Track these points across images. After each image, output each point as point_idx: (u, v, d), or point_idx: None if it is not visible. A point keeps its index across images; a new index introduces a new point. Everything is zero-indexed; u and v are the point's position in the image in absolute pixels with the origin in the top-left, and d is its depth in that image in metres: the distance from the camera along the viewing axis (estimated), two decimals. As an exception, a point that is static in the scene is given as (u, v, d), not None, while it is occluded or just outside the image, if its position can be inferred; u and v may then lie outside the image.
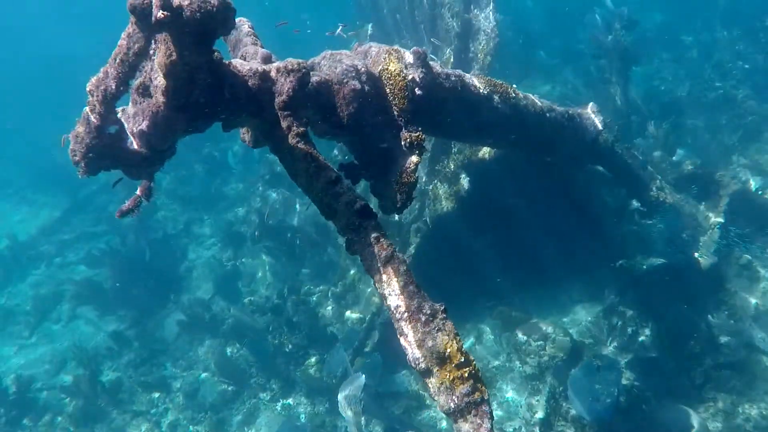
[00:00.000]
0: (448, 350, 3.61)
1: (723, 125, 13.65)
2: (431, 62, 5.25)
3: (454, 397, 3.55)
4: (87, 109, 3.63)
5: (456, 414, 3.58)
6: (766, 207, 10.15)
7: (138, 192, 4.14)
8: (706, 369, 8.79)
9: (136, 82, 3.86)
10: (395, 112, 4.81)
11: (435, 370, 3.64)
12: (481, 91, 5.93)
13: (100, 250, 15.80)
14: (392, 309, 3.79)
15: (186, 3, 3.21)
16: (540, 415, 8.48)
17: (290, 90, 4.02)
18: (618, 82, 13.45)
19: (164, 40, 3.44)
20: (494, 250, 9.92)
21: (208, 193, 17.78)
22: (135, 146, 3.88)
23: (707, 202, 10.26)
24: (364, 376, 9.07)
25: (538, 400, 8.68)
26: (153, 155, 3.92)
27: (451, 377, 3.59)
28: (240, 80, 4.01)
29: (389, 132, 4.81)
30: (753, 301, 9.29)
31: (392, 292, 3.78)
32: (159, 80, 3.59)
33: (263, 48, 4.44)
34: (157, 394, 11.63)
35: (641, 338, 9.22)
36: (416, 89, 4.92)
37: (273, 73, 4.10)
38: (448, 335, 3.66)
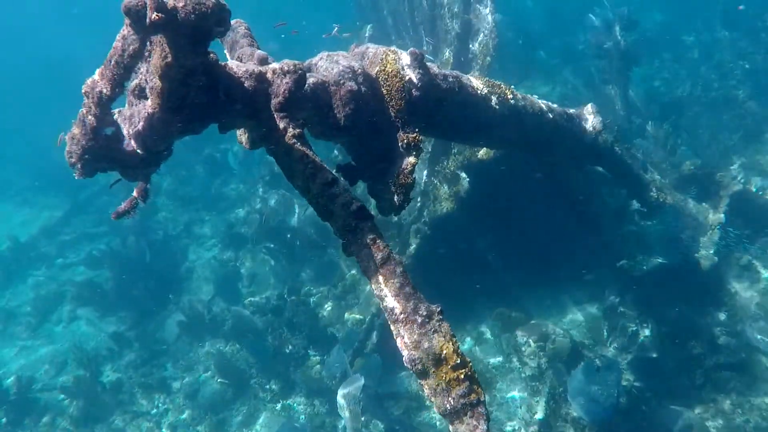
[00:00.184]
0: (444, 352, 3.61)
1: (723, 125, 13.63)
2: (428, 63, 5.24)
3: (450, 398, 3.55)
4: (83, 110, 3.63)
5: (452, 415, 3.57)
6: (767, 208, 10.12)
7: (134, 193, 4.14)
8: (706, 370, 8.78)
9: (132, 84, 3.86)
10: (392, 113, 4.80)
11: (431, 371, 3.64)
12: (478, 91, 5.92)
13: (100, 251, 15.82)
14: (388, 311, 3.79)
15: (180, 5, 3.21)
16: (540, 416, 8.47)
17: (286, 91, 4.02)
18: (618, 82, 13.45)
19: (159, 42, 3.44)
20: (494, 250, 9.93)
21: (208, 193, 17.78)
22: (131, 148, 3.88)
23: (707, 202, 10.25)
24: (363, 377, 9.08)
25: (537, 401, 8.68)
26: (149, 157, 3.92)
27: (448, 379, 3.58)
28: (236, 82, 4.01)
29: (386, 133, 4.81)
30: (753, 301, 9.28)
31: (388, 293, 3.78)
32: (154, 82, 3.59)
33: (260, 49, 4.44)
34: (157, 395, 11.63)
35: (641, 339, 9.22)
36: (413, 90, 4.91)
37: (269, 75, 4.10)
38: (444, 337, 3.66)
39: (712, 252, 9.64)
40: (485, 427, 3.47)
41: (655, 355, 9.03)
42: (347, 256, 4.04)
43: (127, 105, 3.96)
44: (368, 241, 3.87)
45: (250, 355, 11.50)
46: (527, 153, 8.21)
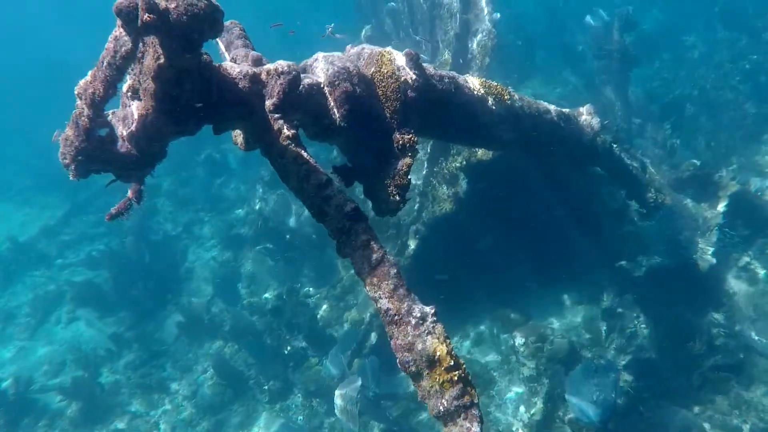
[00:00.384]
0: (438, 353, 3.60)
1: (723, 126, 13.60)
2: (424, 64, 5.23)
3: (443, 400, 3.54)
4: (76, 112, 3.63)
5: (446, 417, 3.57)
6: (766, 208, 10.11)
7: (128, 195, 4.13)
8: (704, 371, 8.77)
9: (125, 85, 3.86)
10: (388, 114, 4.80)
11: (425, 373, 3.63)
12: (475, 92, 5.91)
13: (100, 252, 15.83)
14: (382, 312, 3.78)
15: (173, 6, 3.20)
16: (537, 417, 8.46)
17: (281, 92, 4.01)
18: (618, 83, 13.43)
19: (152, 43, 3.44)
20: (493, 251, 9.91)
21: (208, 194, 17.78)
22: (125, 149, 3.87)
23: (706, 203, 10.23)
24: (360, 378, 9.08)
25: (535, 402, 8.67)
26: (143, 158, 3.92)
27: (441, 380, 3.57)
28: (230, 83, 4.01)
29: (382, 134, 4.80)
30: (751, 302, 9.26)
31: (382, 295, 3.77)
32: (147, 83, 3.58)
33: (254, 50, 4.43)
34: (156, 396, 11.63)
35: (639, 339, 9.21)
36: (409, 91, 4.89)
37: (263, 76, 4.10)
38: (437, 338, 3.65)
39: (710, 253, 9.63)
40: (478, 429, 3.46)
41: (653, 356, 9.02)
42: (341, 258, 4.03)
43: (121, 106, 3.96)
44: (362, 242, 3.86)
45: (249, 356, 11.51)
46: (525, 154, 8.19)
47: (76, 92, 3.55)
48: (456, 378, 3.57)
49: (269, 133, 4.07)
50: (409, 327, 3.68)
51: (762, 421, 8.03)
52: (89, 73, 3.52)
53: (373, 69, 4.87)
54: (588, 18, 14.51)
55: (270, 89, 4.06)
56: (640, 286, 9.53)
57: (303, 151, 4.04)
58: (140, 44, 3.64)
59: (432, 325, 3.69)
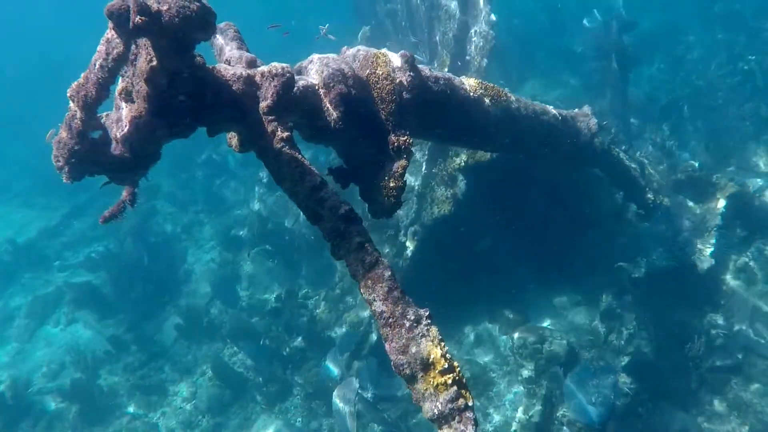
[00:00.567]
0: (432, 356, 3.58)
1: (722, 127, 13.60)
2: (420, 65, 5.22)
3: (438, 403, 3.52)
4: (68, 114, 3.62)
5: (440, 420, 3.54)
6: (764, 209, 10.10)
7: (122, 197, 4.12)
8: (702, 372, 8.78)
9: (119, 87, 3.85)
10: (383, 116, 4.79)
11: (419, 376, 3.61)
12: (471, 94, 5.90)
13: (99, 254, 15.81)
14: (377, 315, 3.77)
15: (165, 8, 3.19)
16: (536, 418, 8.44)
17: (275, 94, 4.00)
18: (617, 84, 13.42)
19: (145, 45, 3.43)
20: (492, 252, 9.90)
21: (207, 196, 17.77)
22: (119, 151, 3.86)
23: (705, 204, 10.22)
24: (358, 380, 9.08)
25: (534, 403, 8.65)
26: (136, 160, 3.90)
27: (435, 383, 3.56)
28: (224, 85, 4.00)
29: (377, 136, 4.79)
30: (750, 303, 9.25)
31: (377, 297, 3.76)
32: (140, 86, 3.57)
33: (249, 52, 4.42)
34: (155, 398, 11.62)
35: (638, 341, 9.19)
36: (404, 93, 4.88)
37: (257, 78, 4.09)
38: (432, 341, 3.63)
39: (709, 254, 9.62)
40: (473, 431, 3.44)
41: (651, 357, 9.01)
42: (336, 260, 4.02)
43: (114, 108, 3.95)
44: (357, 244, 3.85)
45: (248, 358, 11.49)
46: (523, 155, 8.18)
47: (68, 95, 3.53)
48: (450, 381, 3.55)
49: (263, 135, 4.06)
50: (403, 330, 3.66)
51: (760, 423, 8.03)
52: (81, 75, 3.51)
53: (368, 71, 4.86)
54: (586, 19, 14.53)
55: (264, 91, 4.05)
56: (639, 287, 9.51)
57: (297, 153, 4.03)
58: (133, 46, 3.63)
59: (426, 328, 3.67)
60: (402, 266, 10.06)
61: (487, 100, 6.07)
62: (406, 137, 4.70)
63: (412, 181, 10.74)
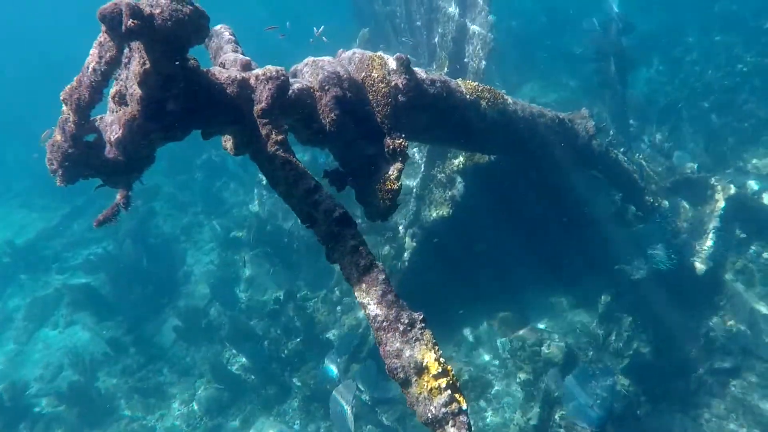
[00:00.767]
0: (426, 360, 3.57)
1: (721, 129, 13.59)
2: (416, 68, 5.22)
3: (431, 407, 3.50)
4: (62, 117, 3.61)
5: (434, 424, 3.53)
6: (763, 211, 10.08)
7: (116, 200, 4.12)
8: (701, 374, 8.75)
9: (112, 90, 3.85)
10: (378, 119, 4.78)
11: (413, 380, 3.60)
12: (467, 96, 5.89)
13: (98, 256, 15.80)
14: (371, 318, 3.76)
15: (157, 11, 3.19)
16: (534, 420, 8.42)
17: (269, 97, 3.99)
18: (616, 85, 13.41)
19: (138, 48, 3.43)
20: (490, 254, 9.89)
21: (207, 197, 17.77)
22: (112, 155, 3.85)
23: (703, 206, 10.21)
24: (357, 382, 9.06)
25: (532, 406, 8.63)
26: (130, 163, 3.90)
27: (429, 387, 3.54)
28: (218, 88, 3.99)
29: (373, 139, 4.78)
30: (749, 305, 9.23)
31: (371, 301, 3.75)
32: (134, 89, 3.57)
33: (244, 55, 4.41)
34: (153, 400, 11.60)
35: (636, 343, 9.17)
36: (399, 96, 4.87)
37: (252, 81, 4.08)
38: (426, 345, 3.62)
39: (707, 256, 9.60)
40: (467, 436, 3.43)
41: (650, 359, 8.99)
42: (330, 263, 4.01)
43: (108, 111, 3.94)
44: (351, 248, 3.84)
45: (246, 360, 11.48)
46: (521, 158, 8.17)
47: (61, 98, 3.53)
48: (444, 385, 3.53)
49: (258, 138, 4.05)
50: (397, 333, 3.65)
51: (759, 425, 8.01)
52: (75, 78, 3.50)
53: (364, 73, 4.85)
54: (586, 21, 14.52)
55: (259, 94, 4.04)
56: (638, 289, 9.49)
57: (291, 157, 4.02)
58: (127, 49, 3.63)
59: (420, 332, 3.66)
60: (401, 268, 10.06)
61: (483, 103, 6.06)
62: (401, 140, 4.69)
63: (410, 182, 10.73)
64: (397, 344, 3.64)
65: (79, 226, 18.58)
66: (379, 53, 5.05)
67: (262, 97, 4.02)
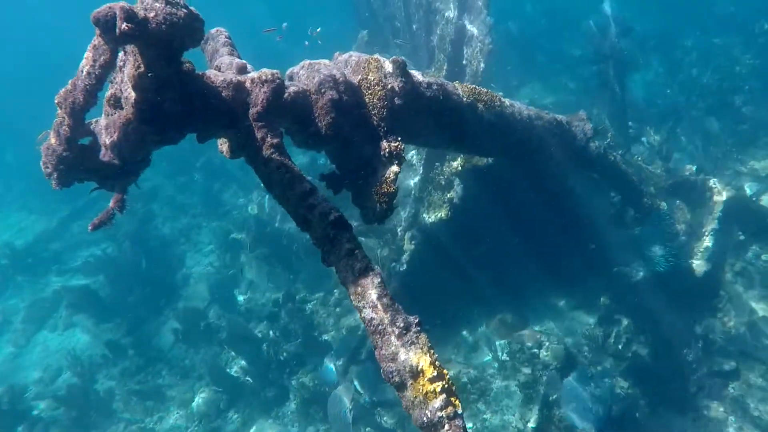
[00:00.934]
0: (421, 364, 3.56)
1: (719, 131, 13.59)
2: (412, 71, 5.21)
3: (427, 411, 3.49)
4: (57, 120, 3.61)
5: (430, 428, 3.52)
6: (761, 213, 10.07)
7: (111, 204, 4.11)
8: (700, 376, 8.74)
9: (107, 94, 3.84)
10: (375, 122, 4.77)
11: (409, 383, 3.59)
12: (464, 99, 5.89)
13: (97, 258, 15.80)
14: (366, 322, 3.75)
15: (151, 15, 3.18)
16: (533, 423, 8.41)
17: (264, 101, 3.99)
18: (615, 88, 13.40)
19: (132, 52, 3.42)
20: (489, 257, 9.88)
21: (206, 199, 17.77)
22: (107, 158, 3.85)
23: (702, 208, 10.19)
24: (355, 384, 9.05)
25: (531, 408, 8.61)
26: (126, 167, 3.89)
27: (425, 391, 3.53)
28: (213, 91, 3.98)
29: (369, 142, 4.78)
30: (747, 308, 9.22)
31: (366, 304, 3.73)
32: (129, 92, 3.56)
33: (240, 58, 4.41)
34: (151, 403, 11.58)
35: (635, 346, 9.16)
36: (395, 99, 4.87)
37: (247, 84, 4.08)
38: (421, 349, 3.61)
39: (706, 258, 9.59)
40: (462, 439, 3.42)
41: (649, 362, 8.98)
42: (326, 266, 4.00)
43: (103, 115, 3.94)
44: (346, 251, 3.83)
45: (245, 363, 11.47)
46: (518, 160, 8.16)
47: (56, 101, 3.53)
48: (439, 389, 3.52)
49: (253, 141, 4.05)
50: (392, 337, 3.64)
51: (758, 428, 7.99)
52: (69, 82, 3.50)
53: (360, 76, 4.85)
54: (585, 23, 14.51)
55: (254, 97, 4.04)
56: (636, 291, 9.49)
57: (287, 160, 4.02)
58: (120, 53, 3.62)
59: (416, 335, 3.65)
60: (399, 270, 10.05)
61: (480, 106, 6.05)
62: (397, 143, 4.68)
63: (409, 184, 10.73)
64: (393, 348, 3.63)
65: (78, 228, 18.57)
66: (376, 56, 5.04)
67: (258, 100, 4.01)
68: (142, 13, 3.17)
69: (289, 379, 10.80)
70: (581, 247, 9.83)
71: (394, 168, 4.67)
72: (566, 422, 8.25)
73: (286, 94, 4.31)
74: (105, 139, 3.85)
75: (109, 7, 3.16)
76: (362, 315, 3.79)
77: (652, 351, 9.03)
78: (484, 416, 8.85)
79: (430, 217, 10.07)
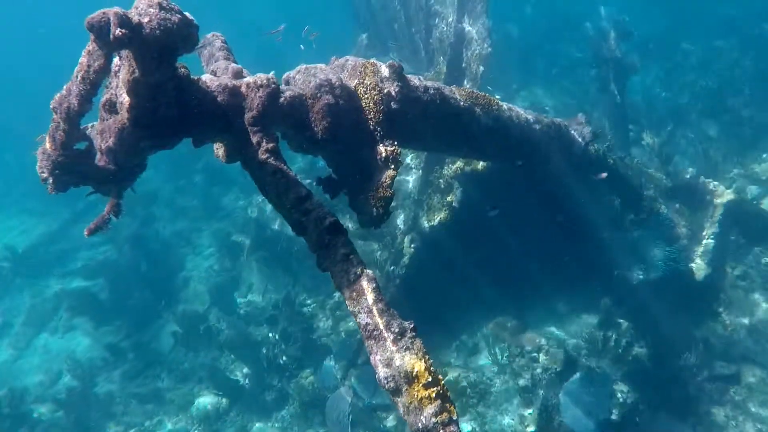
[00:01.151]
0: (416, 369, 3.54)
1: (720, 134, 13.57)
2: (409, 75, 5.21)
3: (422, 417, 3.48)
4: (52, 125, 3.61)
5: (425, 434, 3.51)
6: (761, 216, 10.04)
7: (106, 209, 4.11)
8: (700, 381, 8.70)
9: (102, 99, 3.84)
10: (371, 126, 4.77)
11: (403, 389, 3.57)
12: (461, 103, 5.88)
13: (97, 261, 15.80)
14: (361, 327, 3.74)
15: (145, 20, 3.18)
16: (532, 428, 8.39)
17: (260, 105, 3.99)
18: (615, 91, 13.39)
19: (127, 57, 3.42)
20: (489, 260, 9.87)
21: (207, 202, 17.76)
22: (103, 163, 3.85)
23: (702, 211, 10.17)
24: (355, 388, 9.04)
25: (530, 413, 8.60)
26: (121, 171, 3.90)
27: (419, 397, 3.52)
28: (209, 96, 3.98)
29: (366, 146, 4.77)
30: (748, 312, 9.19)
31: (361, 309, 3.72)
32: (123, 97, 3.56)
33: (235, 63, 4.41)
34: (150, 406, 11.58)
35: (635, 350, 9.14)
36: (392, 103, 4.86)
37: (243, 89, 4.07)
38: (416, 354, 3.59)
39: (706, 261, 9.56)
40: (457, 445, 3.41)
41: (649, 366, 8.95)
42: (321, 272, 3.99)
43: (99, 120, 3.94)
44: (342, 256, 3.82)
45: (245, 366, 11.46)
46: (517, 164, 8.14)
47: (51, 106, 3.53)
48: (434, 394, 3.51)
49: (249, 146, 4.05)
50: (387, 342, 3.63)
51: (758, 433, 7.97)
52: (64, 87, 3.50)
53: (356, 80, 4.85)
54: (585, 26, 14.51)
55: (250, 102, 4.03)
56: (637, 295, 9.46)
57: (282, 165, 4.01)
58: (116, 58, 3.62)
59: (411, 341, 3.63)
60: (399, 273, 10.04)
61: (477, 110, 6.05)
62: (394, 147, 4.68)
63: (409, 187, 10.72)
64: (388, 353, 3.62)
65: (79, 231, 18.52)
66: (372, 60, 5.04)
67: (253, 105, 4.01)
68: (136, 19, 3.17)
69: (289, 383, 10.78)
70: (581, 251, 9.80)
71: (391, 172, 4.67)
72: (566, 426, 8.22)
73: (282, 99, 4.30)
74: (100, 144, 3.85)
75: (103, 13, 3.15)
76: (357, 320, 3.78)
77: (653, 355, 9.00)
78: (484, 420, 8.83)
79: (429, 221, 10.06)
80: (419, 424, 3.50)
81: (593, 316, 9.64)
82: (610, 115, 13.09)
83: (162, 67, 3.43)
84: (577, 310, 9.86)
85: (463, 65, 11.01)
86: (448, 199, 9.93)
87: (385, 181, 4.61)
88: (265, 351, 11.29)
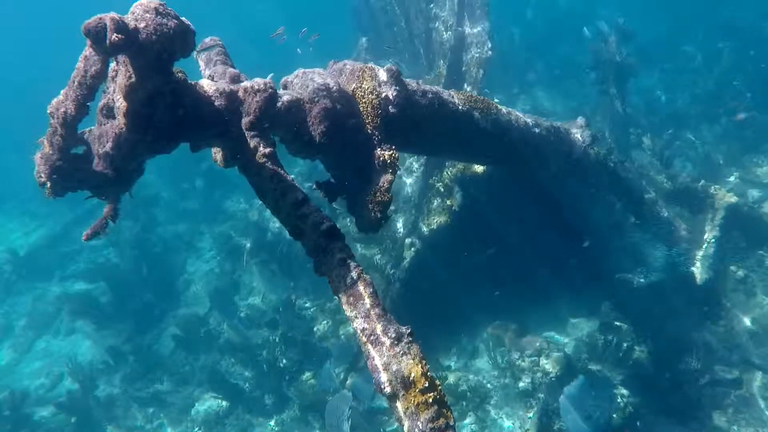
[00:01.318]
0: (413, 374, 3.54)
1: (721, 137, 13.55)
2: (407, 79, 5.21)
3: (419, 422, 3.47)
4: (49, 130, 3.62)
5: (421, 439, 3.50)
6: (763, 220, 10.01)
7: (104, 214, 4.11)
8: (701, 386, 8.67)
9: (100, 103, 3.85)
10: (369, 130, 4.77)
11: (400, 394, 3.57)
12: (460, 107, 5.88)
13: (98, 265, 15.82)
14: (358, 332, 3.74)
15: (142, 26, 3.19)
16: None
17: (257, 110, 3.99)
18: (616, 94, 13.37)
19: (124, 62, 3.42)
20: (489, 264, 9.85)
21: (208, 206, 17.76)
22: (100, 167, 3.85)
23: (703, 215, 10.14)
24: (355, 392, 9.02)
25: (530, 417, 8.58)
26: (119, 176, 3.89)
27: (416, 402, 3.51)
28: (206, 101, 3.99)
29: (364, 150, 4.77)
30: (749, 316, 9.16)
31: (358, 314, 3.72)
32: (120, 102, 3.56)
33: (233, 67, 4.42)
34: (151, 409, 11.58)
35: (636, 354, 9.10)
36: (390, 107, 4.86)
37: (240, 93, 4.08)
38: (413, 359, 3.59)
39: (707, 265, 9.52)
40: (454, 451, 3.40)
41: (650, 370, 8.92)
42: (318, 276, 3.99)
43: (96, 124, 3.95)
44: (339, 261, 3.82)
45: (245, 370, 11.46)
46: (516, 168, 8.14)
47: (48, 111, 3.54)
48: (431, 399, 3.50)
49: (246, 150, 4.05)
50: (384, 347, 3.62)
51: (760, 438, 7.94)
52: (61, 92, 3.51)
53: (354, 85, 4.85)
54: (585, 29, 14.51)
55: (247, 107, 4.04)
56: (638, 299, 9.43)
57: (280, 169, 4.01)
58: (112, 63, 3.63)
59: (408, 346, 3.63)
60: (399, 277, 10.02)
61: (476, 114, 6.04)
62: (392, 152, 4.68)
63: (408, 191, 10.71)
64: (384, 358, 3.61)
65: (80, 234, 18.37)
66: (370, 65, 5.04)
67: (251, 109, 4.01)
68: (132, 24, 3.18)
69: (289, 386, 10.77)
70: (582, 254, 9.78)
71: (389, 176, 4.67)
72: (566, 430, 8.20)
73: (279, 103, 4.31)
74: (98, 149, 3.85)
75: (100, 18, 3.16)
76: (354, 325, 3.78)
77: (654, 359, 8.97)
78: (484, 424, 8.81)
79: (429, 224, 10.05)
80: (416, 430, 3.49)
81: (594, 319, 9.62)
82: (611, 118, 13.06)
83: (158, 72, 3.43)
84: (578, 314, 9.84)
85: (463, 69, 11.01)
86: (448, 202, 9.92)
87: (383, 186, 4.61)
88: (265, 354, 11.29)
